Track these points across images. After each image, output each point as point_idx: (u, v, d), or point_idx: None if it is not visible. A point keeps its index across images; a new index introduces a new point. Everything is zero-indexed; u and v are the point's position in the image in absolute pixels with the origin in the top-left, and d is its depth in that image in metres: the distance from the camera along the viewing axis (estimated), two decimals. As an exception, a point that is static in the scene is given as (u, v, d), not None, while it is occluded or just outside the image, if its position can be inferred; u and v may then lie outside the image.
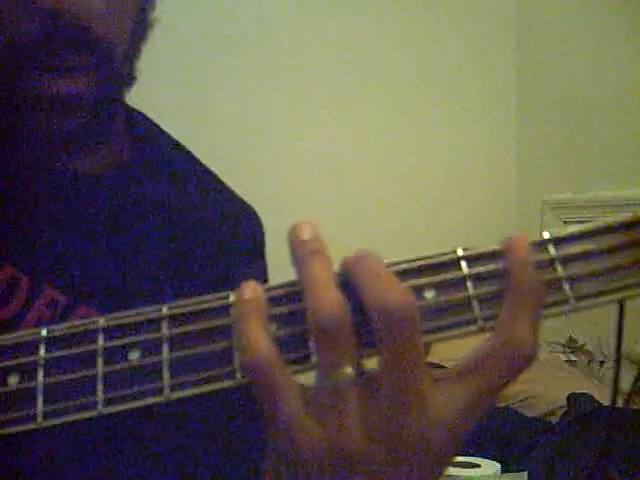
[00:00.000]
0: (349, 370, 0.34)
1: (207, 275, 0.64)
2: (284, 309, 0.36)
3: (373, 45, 2.16)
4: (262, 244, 0.71)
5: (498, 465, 1.31)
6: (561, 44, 2.25)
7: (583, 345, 1.87)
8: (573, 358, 1.85)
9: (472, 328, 0.35)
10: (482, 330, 0.35)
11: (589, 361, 1.82)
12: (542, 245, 0.36)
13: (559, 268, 0.35)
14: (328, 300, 0.34)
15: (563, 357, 1.84)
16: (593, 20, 2.14)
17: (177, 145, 0.70)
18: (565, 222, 2.18)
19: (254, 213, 0.71)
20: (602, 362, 1.79)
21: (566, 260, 0.35)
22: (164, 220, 0.63)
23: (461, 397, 0.35)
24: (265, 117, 1.97)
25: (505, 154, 2.36)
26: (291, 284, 0.37)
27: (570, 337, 1.86)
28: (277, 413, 0.34)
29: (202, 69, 1.88)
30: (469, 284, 0.35)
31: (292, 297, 0.36)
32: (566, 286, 0.35)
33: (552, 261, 0.35)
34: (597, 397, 1.62)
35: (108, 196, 0.61)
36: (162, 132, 0.70)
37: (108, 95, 0.55)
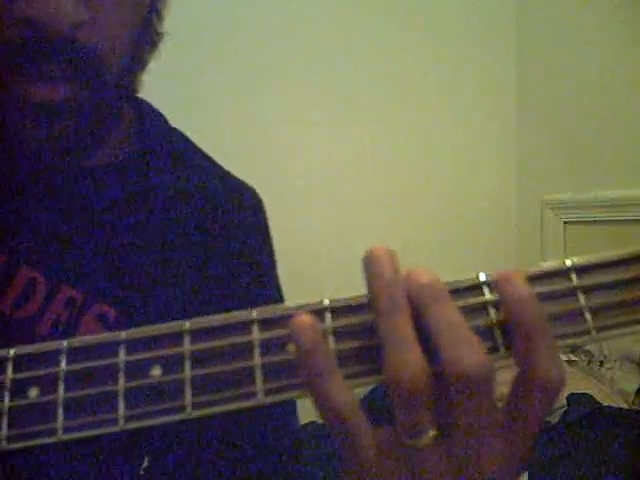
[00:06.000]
0: (432, 433, 0.34)
1: (222, 259, 0.64)
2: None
3: (373, 46, 2.15)
4: (266, 220, 0.72)
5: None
6: (561, 43, 2.24)
7: (583, 345, 1.87)
8: (573, 358, 1.85)
9: (493, 357, 0.35)
10: (503, 358, 0.35)
11: (589, 361, 1.82)
12: (564, 273, 0.35)
13: (581, 298, 0.35)
14: (412, 363, 0.33)
15: (563, 357, 1.84)
16: (593, 20, 2.14)
17: (181, 134, 0.71)
18: (565, 222, 2.18)
19: (255, 192, 0.72)
20: (602, 362, 1.80)
21: (588, 289, 0.35)
22: (175, 209, 0.63)
23: (509, 444, 0.35)
24: (264, 118, 1.97)
25: (505, 154, 2.36)
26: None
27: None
28: (358, 456, 0.35)
29: (202, 70, 1.87)
30: (491, 310, 0.35)
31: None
32: (588, 316, 0.35)
33: (574, 290, 0.35)
34: (597, 397, 1.62)
35: (117, 190, 0.61)
36: (165, 120, 0.70)
37: (99, 103, 0.54)
